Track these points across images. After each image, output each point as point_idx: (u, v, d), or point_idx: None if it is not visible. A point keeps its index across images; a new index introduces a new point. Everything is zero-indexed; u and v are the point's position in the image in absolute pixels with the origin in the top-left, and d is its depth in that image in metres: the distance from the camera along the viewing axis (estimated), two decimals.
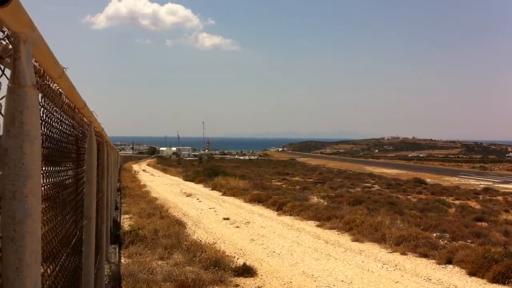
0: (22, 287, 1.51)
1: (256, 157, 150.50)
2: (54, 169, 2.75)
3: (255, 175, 47.17)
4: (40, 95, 1.99)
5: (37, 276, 1.59)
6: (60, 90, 2.86)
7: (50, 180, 2.57)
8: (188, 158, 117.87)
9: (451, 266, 10.68)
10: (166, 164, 77.38)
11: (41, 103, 2.07)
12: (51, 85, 2.44)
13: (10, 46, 1.56)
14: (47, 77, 2.28)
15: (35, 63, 1.84)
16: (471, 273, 9.96)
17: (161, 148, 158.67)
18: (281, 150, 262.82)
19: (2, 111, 1.49)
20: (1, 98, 1.49)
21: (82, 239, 4.60)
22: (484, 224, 17.38)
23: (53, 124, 2.66)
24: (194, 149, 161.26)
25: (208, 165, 61.58)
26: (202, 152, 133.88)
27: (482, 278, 9.67)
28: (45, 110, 2.32)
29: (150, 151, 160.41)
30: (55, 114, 2.74)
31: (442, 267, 10.64)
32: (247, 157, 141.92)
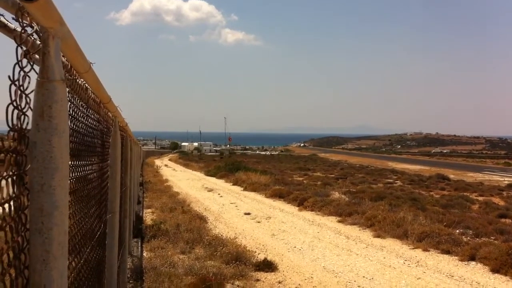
0: (49, 279, 1.52)
1: (277, 152, 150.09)
2: (79, 163, 2.78)
3: (276, 170, 47.08)
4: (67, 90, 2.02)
5: (64, 268, 1.61)
6: (87, 85, 2.90)
7: (75, 174, 2.61)
8: (210, 154, 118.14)
9: (474, 262, 10.57)
10: (187, 159, 77.61)
11: (68, 98, 2.09)
12: (78, 79, 2.48)
13: (38, 42, 1.58)
14: (74, 72, 2.31)
15: (62, 58, 1.87)
16: (494, 270, 9.85)
17: (183, 144, 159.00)
18: (302, 146, 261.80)
19: (31, 105, 1.52)
20: (30, 92, 1.52)
21: (106, 233, 4.65)
22: (508, 220, 17.14)
23: (79, 118, 2.70)
24: (215, 145, 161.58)
25: (230, 160, 61.56)
26: (223, 147, 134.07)
27: (505, 275, 9.55)
28: (72, 105, 2.35)
29: (172, 146, 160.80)
30: (81, 108, 2.78)
31: (465, 264, 10.54)
32: (268, 153, 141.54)
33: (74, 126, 2.47)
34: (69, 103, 2.21)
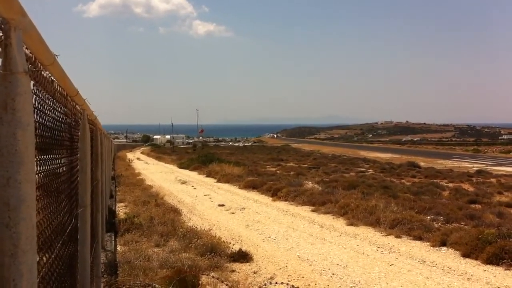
0: (17, 273, 1.51)
1: (250, 143, 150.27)
2: (47, 157, 2.75)
3: (249, 161, 47.22)
4: (32, 83, 1.99)
5: (33, 262, 1.59)
6: (52, 78, 2.86)
7: (43, 168, 2.57)
8: (182, 146, 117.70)
9: (445, 248, 10.76)
10: (160, 152, 77.19)
11: (33, 90, 2.06)
12: (43, 72, 2.44)
13: (0, 33, 1.56)
14: (39, 64, 2.27)
15: (26, 50, 1.84)
16: (465, 255, 10.04)
17: (155, 136, 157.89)
18: (275, 136, 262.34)
19: None
20: None
21: (78, 227, 4.61)
22: (477, 206, 17.49)
23: (46, 111, 2.66)
24: (188, 137, 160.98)
25: (203, 152, 61.41)
26: (196, 139, 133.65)
27: (476, 259, 9.75)
28: (37, 98, 2.32)
29: (144, 139, 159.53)
30: (47, 101, 2.73)
31: (436, 249, 10.72)
32: (241, 144, 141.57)
33: (41, 119, 2.44)
34: (34, 96, 2.17)
